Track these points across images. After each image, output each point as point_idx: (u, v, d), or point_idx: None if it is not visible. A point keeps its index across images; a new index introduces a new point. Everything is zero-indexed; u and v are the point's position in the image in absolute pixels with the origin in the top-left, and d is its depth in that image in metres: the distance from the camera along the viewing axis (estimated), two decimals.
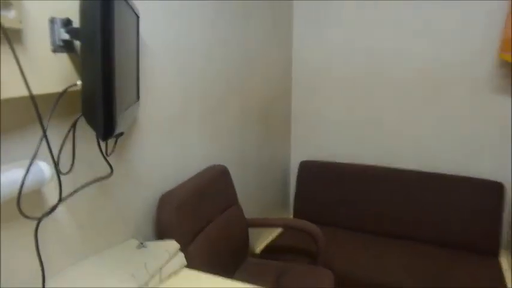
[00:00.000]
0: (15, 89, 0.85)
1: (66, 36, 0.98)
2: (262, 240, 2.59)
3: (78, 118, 1.10)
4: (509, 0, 2.16)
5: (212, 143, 1.98)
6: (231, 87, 2.09)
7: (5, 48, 0.82)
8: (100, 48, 0.85)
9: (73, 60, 1.04)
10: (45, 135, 0.90)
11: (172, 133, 1.67)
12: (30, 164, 0.92)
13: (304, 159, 2.92)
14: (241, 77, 2.18)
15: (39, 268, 0.98)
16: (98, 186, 1.29)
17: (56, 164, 1.05)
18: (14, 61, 0.82)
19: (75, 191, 1.13)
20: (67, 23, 0.99)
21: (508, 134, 2.34)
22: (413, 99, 2.54)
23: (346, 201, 2.62)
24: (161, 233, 1.52)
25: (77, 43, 1.02)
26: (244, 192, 2.31)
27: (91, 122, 0.93)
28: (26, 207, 1.00)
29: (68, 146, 1.12)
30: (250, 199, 2.39)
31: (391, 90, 2.58)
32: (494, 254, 2.26)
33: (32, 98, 0.85)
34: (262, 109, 2.46)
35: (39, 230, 1.03)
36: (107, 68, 0.86)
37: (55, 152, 1.06)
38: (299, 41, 2.80)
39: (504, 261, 2.22)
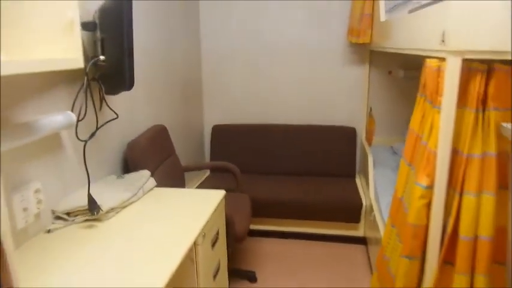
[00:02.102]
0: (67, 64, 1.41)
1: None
2: (194, 182, 3.26)
3: (88, 83, 1.66)
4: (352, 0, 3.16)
5: (153, 108, 2.59)
6: (163, 69, 2.70)
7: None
8: (126, 33, 1.46)
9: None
10: (86, 95, 1.48)
11: (131, 101, 2.25)
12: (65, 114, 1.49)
13: (216, 123, 3.65)
14: (168, 61, 2.81)
15: (85, 176, 1.55)
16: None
17: (79, 114, 1.62)
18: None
19: (101, 126, 1.71)
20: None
21: (355, 91, 3.39)
22: (293, 69, 3.44)
23: (248, 153, 3.43)
24: (133, 167, 2.12)
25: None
26: (176, 146, 2.96)
27: (115, 81, 1.53)
28: (65, 137, 1.56)
29: (77, 104, 1.67)
30: (180, 153, 3.04)
31: (277, 64, 3.46)
32: (352, 177, 3.31)
33: (85, 70, 1.43)
34: (182, 84, 3.11)
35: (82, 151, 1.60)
36: (130, 46, 1.48)
37: (73, 106, 1.63)
38: (205, 28, 3.49)
39: (358, 181, 3.27)
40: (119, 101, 2.11)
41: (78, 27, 1.16)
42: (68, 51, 1.15)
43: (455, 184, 1.25)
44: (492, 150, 1.20)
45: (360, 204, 2.82)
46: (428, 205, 1.28)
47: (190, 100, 3.30)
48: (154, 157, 2.30)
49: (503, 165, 1.22)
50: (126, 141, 2.23)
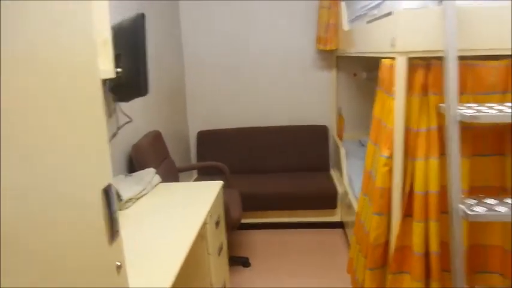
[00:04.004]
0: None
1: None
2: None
3: (105, 92, 1.96)
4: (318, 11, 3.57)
5: (149, 115, 2.89)
6: (153, 78, 3.01)
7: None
8: (142, 49, 1.77)
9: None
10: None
11: (132, 109, 2.55)
12: None
13: (200, 129, 3.96)
14: (156, 69, 3.11)
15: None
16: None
17: None
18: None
19: (121, 127, 2.01)
20: None
21: (325, 93, 3.79)
22: (269, 75, 3.82)
23: (232, 155, 3.76)
24: (138, 166, 2.41)
25: None
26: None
27: (130, 89, 1.84)
28: None
29: None
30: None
31: (255, 71, 3.82)
32: (327, 170, 3.70)
33: (104, 81, 1.73)
34: (169, 92, 3.41)
35: None
36: (146, 60, 1.79)
37: None
38: (187, 38, 3.82)
39: (332, 173, 3.65)
40: (122, 109, 2.41)
41: (111, 44, 1.47)
42: (103, 63, 1.46)
43: (409, 153, 1.63)
44: (434, 125, 1.59)
45: (335, 192, 3.20)
46: (390, 171, 1.65)
47: (176, 107, 3.60)
48: (155, 158, 2.60)
49: (441, 136, 1.60)
50: (129, 144, 2.51)
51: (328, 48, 3.58)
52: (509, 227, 1.57)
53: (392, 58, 1.66)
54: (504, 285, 1.55)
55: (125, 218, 1.84)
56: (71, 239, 0.73)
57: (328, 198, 3.20)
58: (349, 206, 2.86)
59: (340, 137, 3.63)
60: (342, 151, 3.29)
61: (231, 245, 3.21)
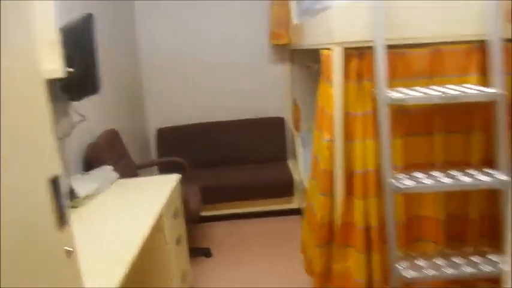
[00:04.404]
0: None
1: None
2: None
3: (54, 92, 1.97)
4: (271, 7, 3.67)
5: (104, 114, 2.90)
6: (108, 77, 3.02)
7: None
8: (91, 47, 1.81)
9: None
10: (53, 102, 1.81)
11: (86, 107, 2.56)
12: None
13: (159, 126, 3.98)
14: (111, 68, 3.13)
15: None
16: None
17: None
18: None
19: (74, 126, 2.02)
20: None
21: (281, 86, 3.92)
22: (226, 70, 3.90)
23: (193, 150, 3.81)
24: (94, 166, 2.43)
25: None
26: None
27: (81, 88, 1.87)
28: None
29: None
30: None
31: (212, 67, 3.89)
32: (284, 160, 3.83)
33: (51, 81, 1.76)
34: (125, 91, 3.42)
35: None
36: (94, 58, 1.83)
37: None
38: (143, 35, 3.83)
39: (290, 163, 3.79)
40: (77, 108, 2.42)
41: (58, 44, 1.50)
42: (51, 63, 1.50)
43: (348, 135, 1.76)
44: (370, 109, 1.72)
45: (291, 180, 3.33)
46: (332, 154, 1.77)
47: (134, 105, 3.62)
48: (111, 156, 2.62)
49: (376, 119, 1.74)
50: (86, 144, 2.53)
51: (281, 42, 3.70)
52: (439, 199, 1.73)
53: (330, 49, 1.78)
54: (436, 251, 1.71)
55: (81, 214, 1.88)
56: (20, 225, 0.79)
57: (285, 187, 3.33)
58: (305, 193, 3.00)
59: (297, 128, 3.76)
60: (298, 141, 3.42)
61: (194, 237, 3.28)
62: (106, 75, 3.00)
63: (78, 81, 1.85)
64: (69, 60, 1.86)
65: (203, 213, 3.46)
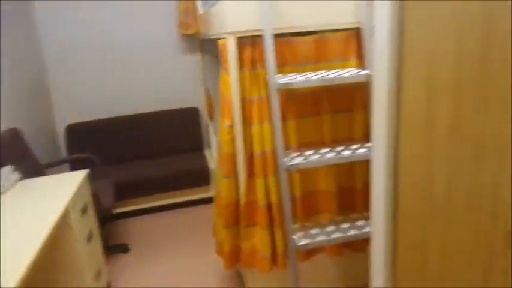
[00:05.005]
0: None
1: None
2: None
3: None
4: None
5: (3, 114, 2.72)
6: (4, 72, 2.83)
7: None
8: None
9: None
10: None
11: None
12: None
13: (69, 122, 3.81)
14: (9, 70, 2.93)
15: None
16: None
17: None
18: None
19: None
20: None
21: (193, 76, 3.95)
22: (137, 61, 3.82)
23: (106, 145, 3.72)
24: None
25: None
26: (32, 148, 3.10)
27: None
28: None
29: None
30: (36, 154, 3.18)
31: (122, 58, 3.79)
32: (201, 150, 3.88)
33: None
34: (28, 89, 3.23)
35: None
36: None
37: None
38: (45, 30, 3.61)
39: (206, 152, 3.85)
40: None
41: None
42: None
43: (246, 120, 1.86)
44: (264, 94, 1.84)
45: (207, 169, 3.40)
46: (233, 138, 1.87)
47: (39, 102, 3.42)
48: (12, 156, 2.48)
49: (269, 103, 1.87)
50: None
51: (190, 32, 3.71)
52: (331, 173, 1.91)
53: (225, 38, 1.86)
54: (328, 220, 1.89)
55: None
56: None
57: (201, 176, 3.39)
58: None
59: (211, 117, 3.82)
60: (211, 130, 3.49)
61: (112, 234, 3.22)
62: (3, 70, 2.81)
63: None
64: None
65: (120, 209, 3.41)
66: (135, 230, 3.26)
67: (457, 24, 0.75)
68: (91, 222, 2.32)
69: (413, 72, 0.90)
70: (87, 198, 2.32)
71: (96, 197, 2.54)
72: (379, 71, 1.01)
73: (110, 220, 3.45)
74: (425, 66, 0.86)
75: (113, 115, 3.89)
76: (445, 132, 0.82)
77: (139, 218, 3.47)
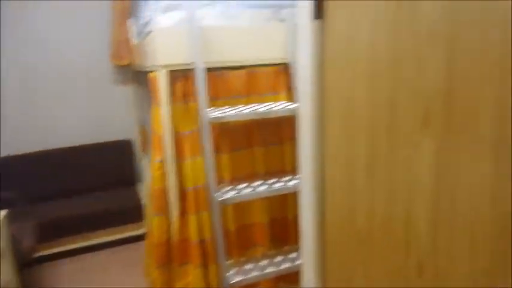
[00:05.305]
0: None
1: None
2: None
3: None
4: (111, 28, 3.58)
5: None
6: None
7: None
8: None
9: None
10: None
11: None
12: None
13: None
14: None
15: None
16: None
17: None
18: None
19: None
20: None
21: (127, 107, 3.83)
22: (67, 95, 3.63)
23: (34, 181, 3.44)
24: None
25: None
26: None
27: None
28: None
29: None
30: None
31: (52, 89, 3.58)
32: (133, 185, 3.73)
33: None
34: None
35: None
36: None
37: None
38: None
39: (139, 187, 3.71)
40: None
41: None
42: None
43: (179, 154, 1.82)
44: (196, 127, 1.82)
45: (139, 205, 3.26)
46: (164, 174, 1.81)
47: None
48: None
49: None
50: None
51: (123, 63, 3.63)
52: (265, 205, 1.91)
53: (157, 71, 1.83)
54: (262, 254, 1.88)
55: None
56: None
57: (132, 213, 3.24)
58: None
59: (145, 150, 3.70)
60: (143, 164, 3.38)
61: (35, 281, 2.94)
62: None
63: None
64: None
65: (46, 252, 3.13)
66: (63, 274, 3.00)
67: (369, 70, 0.80)
68: (7, 270, 2.10)
69: (333, 111, 0.94)
70: (4, 242, 2.11)
71: (15, 241, 2.32)
72: (302, 108, 1.04)
73: (31, 265, 3.15)
74: (343, 106, 0.90)
75: (43, 148, 3.64)
76: (363, 166, 0.85)
77: (67, 259, 3.20)
